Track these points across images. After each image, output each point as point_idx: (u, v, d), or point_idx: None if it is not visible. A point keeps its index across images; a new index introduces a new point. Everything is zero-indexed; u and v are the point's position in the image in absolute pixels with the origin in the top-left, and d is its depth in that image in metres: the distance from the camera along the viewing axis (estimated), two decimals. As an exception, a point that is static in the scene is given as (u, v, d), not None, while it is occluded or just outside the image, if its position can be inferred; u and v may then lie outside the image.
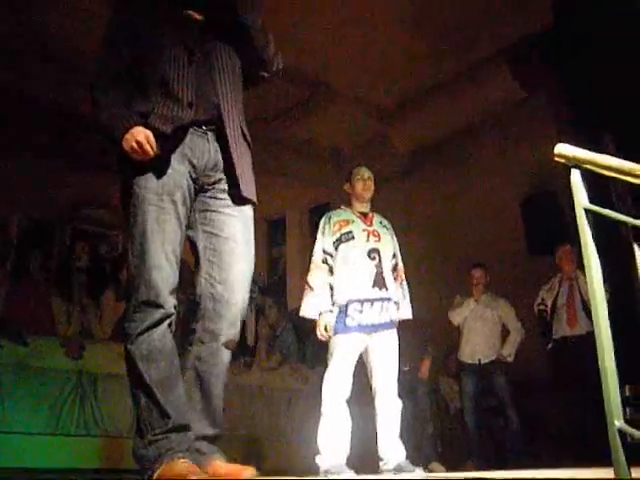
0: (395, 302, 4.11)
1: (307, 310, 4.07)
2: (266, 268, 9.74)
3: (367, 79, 7.21)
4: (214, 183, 2.33)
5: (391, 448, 3.93)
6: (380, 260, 4.09)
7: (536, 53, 6.35)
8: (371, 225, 4.23)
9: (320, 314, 4.01)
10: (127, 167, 2.21)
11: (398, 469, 3.83)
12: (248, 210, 2.39)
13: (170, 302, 2.18)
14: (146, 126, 2.19)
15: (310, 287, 4.08)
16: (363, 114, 7.86)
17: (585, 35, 5.32)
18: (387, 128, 8.03)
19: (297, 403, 6.76)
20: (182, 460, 2.04)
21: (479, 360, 5.97)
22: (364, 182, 4.30)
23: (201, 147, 2.30)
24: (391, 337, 4.07)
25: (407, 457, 3.94)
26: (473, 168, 7.65)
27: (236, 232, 2.34)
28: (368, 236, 4.15)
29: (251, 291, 8.49)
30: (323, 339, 4.00)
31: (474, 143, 7.64)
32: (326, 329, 3.96)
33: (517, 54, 6.58)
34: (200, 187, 2.32)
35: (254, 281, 7.84)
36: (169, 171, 2.22)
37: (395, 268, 4.25)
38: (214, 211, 2.33)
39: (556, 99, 6.37)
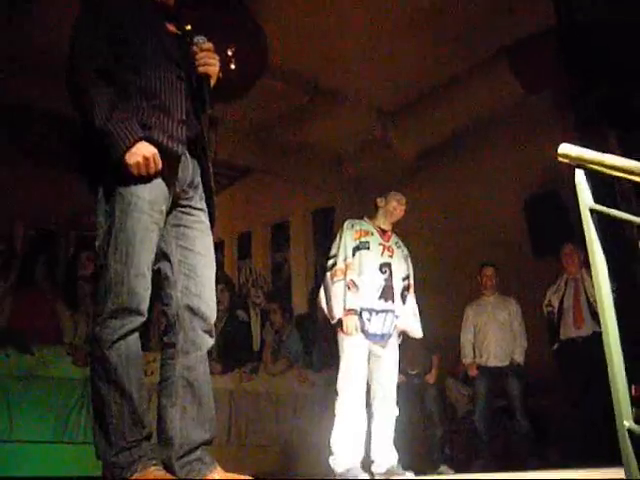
0: (397, 316, 4.21)
1: (350, 304, 4.03)
2: (270, 273, 9.72)
3: (369, 82, 7.18)
4: (188, 199, 2.36)
5: (385, 452, 4.01)
6: (390, 275, 4.19)
7: (540, 53, 6.33)
8: (388, 241, 4.32)
9: (355, 312, 4.04)
10: (117, 170, 2.13)
11: (390, 472, 3.91)
12: (209, 227, 2.44)
13: (146, 310, 2.18)
14: (148, 140, 2.15)
15: (355, 285, 4.08)
16: (365, 117, 7.84)
17: (589, 33, 5.30)
18: (390, 131, 8.01)
19: (304, 407, 6.74)
20: (156, 467, 2.09)
21: (494, 364, 5.94)
22: (399, 204, 4.33)
23: (184, 163, 2.32)
24: (392, 346, 4.20)
25: (399, 461, 4.02)
26: (477, 169, 7.61)
27: (206, 248, 2.38)
28: (383, 250, 4.25)
29: (255, 296, 8.38)
30: (351, 335, 3.99)
31: (478, 144, 7.60)
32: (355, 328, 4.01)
33: (520, 54, 6.55)
34: (176, 202, 2.33)
35: (259, 286, 7.86)
36: (160, 182, 2.21)
37: (407, 288, 4.35)
38: (187, 227, 2.36)
39: (560, 99, 6.35)
